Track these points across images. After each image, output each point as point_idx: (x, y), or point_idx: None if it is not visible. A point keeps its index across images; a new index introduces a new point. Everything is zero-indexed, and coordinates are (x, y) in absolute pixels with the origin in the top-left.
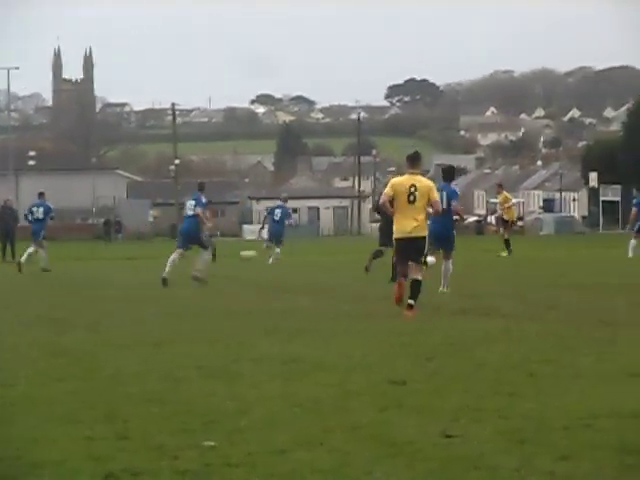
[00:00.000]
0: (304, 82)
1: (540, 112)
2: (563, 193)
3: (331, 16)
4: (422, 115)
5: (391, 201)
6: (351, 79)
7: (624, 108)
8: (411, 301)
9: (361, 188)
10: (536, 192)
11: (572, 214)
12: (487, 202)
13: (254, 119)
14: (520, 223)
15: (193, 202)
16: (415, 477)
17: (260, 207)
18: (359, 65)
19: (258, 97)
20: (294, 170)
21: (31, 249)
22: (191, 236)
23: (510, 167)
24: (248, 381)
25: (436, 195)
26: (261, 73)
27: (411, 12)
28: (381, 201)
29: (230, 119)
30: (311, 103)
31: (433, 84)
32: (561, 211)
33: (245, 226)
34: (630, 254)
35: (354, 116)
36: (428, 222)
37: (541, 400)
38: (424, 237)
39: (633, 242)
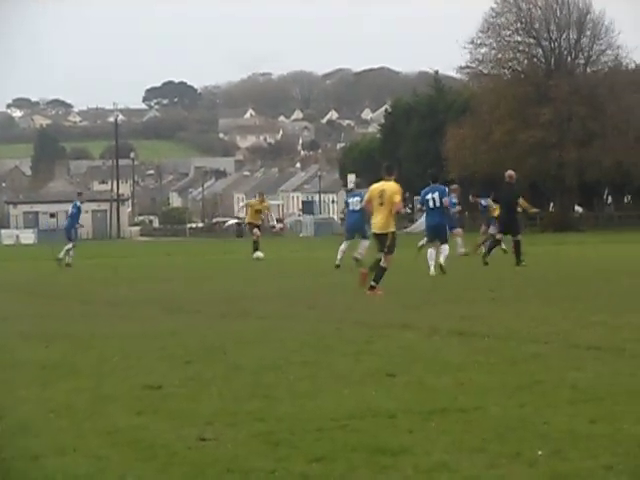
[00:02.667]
0: (61, 85)
1: (298, 114)
2: (322, 195)
3: (88, 17)
4: (180, 118)
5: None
6: (109, 82)
7: (381, 110)
8: (373, 283)
9: (120, 191)
10: (295, 194)
11: (331, 216)
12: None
13: (11, 123)
14: (280, 225)
15: (358, 198)
16: None
17: (17, 211)
18: (116, 68)
19: (14, 101)
20: (52, 174)
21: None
22: (357, 228)
23: (269, 169)
24: (4, 387)
25: (396, 198)
26: (17, 76)
27: (165, 14)
28: (363, 204)
29: None
30: (68, 106)
31: (191, 87)
32: (320, 213)
33: (2, 230)
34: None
35: (112, 119)
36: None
37: (297, 402)
38: (387, 233)
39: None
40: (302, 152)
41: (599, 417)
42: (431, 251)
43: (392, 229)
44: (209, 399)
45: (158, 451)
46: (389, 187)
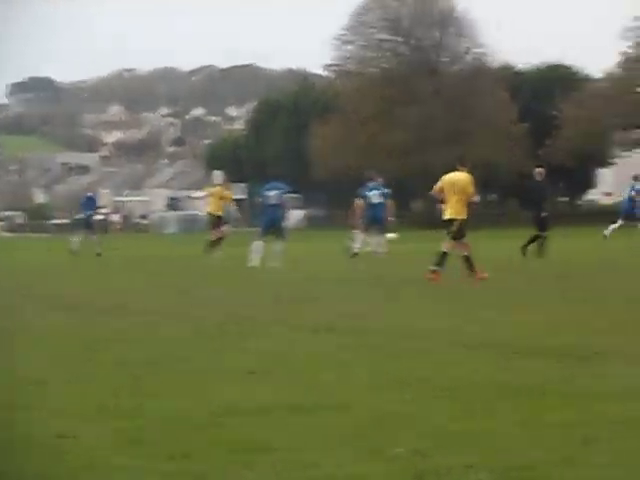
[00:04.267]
0: None
1: (164, 110)
2: (189, 191)
3: None
4: (44, 113)
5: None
6: None
7: (248, 106)
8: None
9: None
10: (161, 190)
11: (197, 212)
12: (113, 200)
13: None
14: (145, 221)
15: (377, 192)
16: None
17: None
18: None
19: None
20: None
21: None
22: (376, 220)
23: (135, 165)
24: None
25: (469, 189)
26: None
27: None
28: (434, 192)
29: None
30: None
31: (56, 82)
32: (186, 209)
33: None
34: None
35: None
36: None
37: (164, 398)
38: (455, 219)
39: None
40: (168, 148)
41: (464, 414)
42: (259, 243)
43: (462, 216)
44: (81, 395)
45: (16, 445)
46: (460, 177)
